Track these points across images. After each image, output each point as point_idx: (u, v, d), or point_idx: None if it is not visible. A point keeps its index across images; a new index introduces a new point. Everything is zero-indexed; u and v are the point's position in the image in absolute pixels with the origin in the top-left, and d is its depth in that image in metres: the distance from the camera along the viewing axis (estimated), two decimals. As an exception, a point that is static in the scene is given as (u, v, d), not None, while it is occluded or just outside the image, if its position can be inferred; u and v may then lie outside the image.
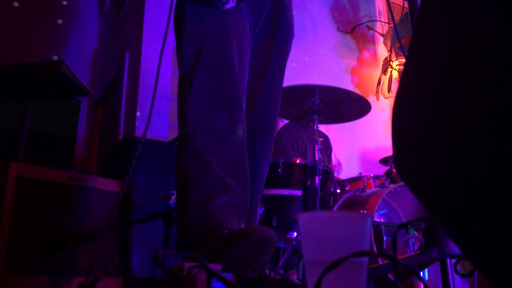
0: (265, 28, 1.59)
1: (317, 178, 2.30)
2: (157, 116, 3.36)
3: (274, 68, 1.60)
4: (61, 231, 1.55)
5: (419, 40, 0.49)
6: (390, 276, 1.69)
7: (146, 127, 1.41)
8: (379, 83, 4.62)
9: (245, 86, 1.46)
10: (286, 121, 3.26)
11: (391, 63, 4.56)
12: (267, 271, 1.01)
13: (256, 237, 1.14)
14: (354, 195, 2.45)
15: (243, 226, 1.35)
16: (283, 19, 1.63)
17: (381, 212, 2.32)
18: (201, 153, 1.34)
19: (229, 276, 0.91)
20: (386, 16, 5.14)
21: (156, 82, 1.39)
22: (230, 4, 1.36)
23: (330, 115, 2.66)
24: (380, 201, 2.16)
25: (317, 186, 2.28)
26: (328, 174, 2.45)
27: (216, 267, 0.93)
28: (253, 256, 1.17)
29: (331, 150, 3.55)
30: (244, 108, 1.44)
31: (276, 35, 1.62)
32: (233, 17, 1.42)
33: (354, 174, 2.88)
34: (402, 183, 2.26)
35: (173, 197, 2.50)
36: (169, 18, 1.42)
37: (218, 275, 0.81)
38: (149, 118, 1.37)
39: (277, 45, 1.62)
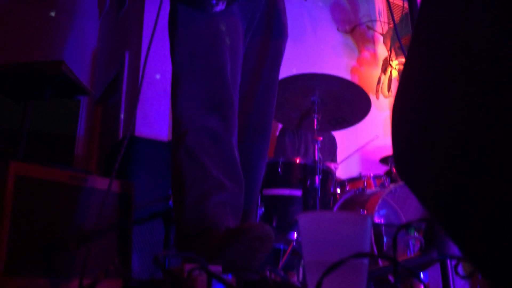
0: (258, 30, 1.61)
1: (317, 177, 2.29)
2: (157, 116, 3.36)
3: (269, 68, 1.62)
4: (61, 231, 1.55)
5: (419, 40, 0.49)
6: (391, 278, 1.69)
7: (133, 125, 1.43)
8: (378, 82, 4.63)
9: (237, 87, 1.48)
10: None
11: (391, 62, 4.56)
12: (267, 273, 1.01)
13: (253, 233, 1.15)
14: (354, 195, 2.45)
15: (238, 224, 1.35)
16: (276, 21, 1.65)
17: (381, 212, 2.31)
18: (194, 153, 1.35)
19: (229, 278, 0.91)
20: (386, 16, 5.14)
21: (141, 81, 1.40)
22: (220, 7, 1.37)
23: (330, 119, 2.65)
24: (380, 201, 2.16)
25: (317, 186, 2.28)
26: (328, 174, 2.45)
27: (216, 268, 0.93)
28: (251, 252, 1.17)
29: (336, 149, 3.56)
30: (237, 109, 1.46)
31: (270, 36, 1.64)
32: (225, 20, 1.44)
33: (354, 174, 2.88)
34: (402, 183, 2.26)
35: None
36: (157, 18, 1.43)
37: (219, 276, 0.81)
38: (134, 117, 1.39)
39: (271, 46, 1.63)
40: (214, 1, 1.35)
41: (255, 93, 1.60)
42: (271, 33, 1.64)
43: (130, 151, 2.70)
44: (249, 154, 1.57)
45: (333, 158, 3.49)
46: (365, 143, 3.66)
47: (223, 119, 1.40)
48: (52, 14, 4.57)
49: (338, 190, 2.55)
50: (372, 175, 2.61)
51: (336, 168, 3.23)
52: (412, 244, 1.82)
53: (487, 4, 0.40)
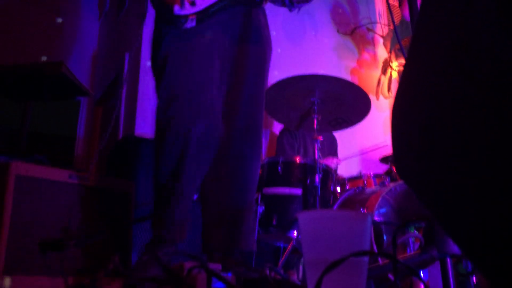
0: (239, 43, 1.71)
1: (317, 176, 2.30)
2: (157, 116, 3.35)
3: (253, 77, 1.73)
4: (61, 230, 1.55)
5: (419, 41, 0.49)
6: (390, 276, 1.69)
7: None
8: (378, 83, 4.63)
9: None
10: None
11: (391, 64, 4.56)
12: (267, 271, 1.01)
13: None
14: (354, 194, 2.44)
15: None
16: (256, 34, 1.75)
17: (381, 211, 2.32)
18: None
19: (229, 276, 0.91)
20: (386, 18, 5.14)
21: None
22: (190, 24, 1.52)
23: (330, 119, 2.65)
24: (380, 199, 2.16)
25: (317, 184, 2.28)
26: (328, 172, 2.45)
27: (216, 267, 0.93)
28: None
29: (336, 148, 3.56)
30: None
31: (251, 49, 1.73)
32: (209, 34, 1.60)
33: (354, 172, 2.88)
34: (402, 182, 2.26)
35: (173, 197, 2.50)
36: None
37: (218, 275, 0.82)
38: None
39: (252, 57, 1.73)
40: (183, 20, 1.50)
41: (240, 100, 1.69)
42: (251, 46, 1.73)
43: (130, 150, 2.70)
44: (242, 158, 1.66)
45: (334, 156, 3.49)
46: (370, 148, 3.67)
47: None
48: (59, 20, 4.57)
49: (338, 189, 2.55)
50: (372, 174, 2.61)
51: (338, 163, 3.23)
52: (412, 242, 1.82)
53: (487, 4, 0.40)
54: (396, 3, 5.01)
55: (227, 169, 1.63)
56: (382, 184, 2.40)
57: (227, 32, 1.67)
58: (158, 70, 1.61)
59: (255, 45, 1.74)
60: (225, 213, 1.61)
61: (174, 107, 1.55)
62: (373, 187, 2.46)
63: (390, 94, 4.60)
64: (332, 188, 2.46)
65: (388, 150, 3.28)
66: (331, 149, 3.50)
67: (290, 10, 1.84)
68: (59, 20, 4.91)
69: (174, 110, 1.55)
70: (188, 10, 1.50)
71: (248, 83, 1.70)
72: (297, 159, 2.40)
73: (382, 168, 3.33)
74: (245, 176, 1.65)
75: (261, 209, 2.27)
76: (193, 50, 1.57)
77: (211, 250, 1.59)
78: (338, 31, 4.77)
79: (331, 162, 3.14)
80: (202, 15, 1.53)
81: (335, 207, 2.40)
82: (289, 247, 2.18)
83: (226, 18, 1.65)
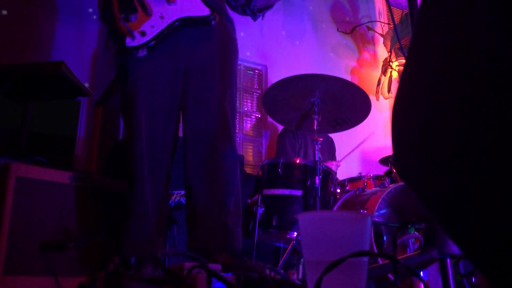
0: (196, 56, 1.78)
1: (317, 178, 2.30)
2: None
3: (223, 79, 1.80)
4: (61, 231, 1.55)
5: (419, 40, 0.49)
6: (390, 276, 1.69)
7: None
8: (379, 83, 4.63)
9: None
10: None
11: (391, 63, 4.57)
12: (267, 271, 1.01)
13: None
14: (354, 195, 2.44)
15: None
16: (213, 43, 1.81)
17: (381, 212, 2.31)
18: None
19: (229, 276, 0.91)
20: (386, 16, 5.15)
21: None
22: (141, 53, 1.64)
23: (330, 120, 2.65)
24: (380, 201, 2.16)
25: (317, 186, 2.28)
26: (328, 174, 2.45)
27: (216, 267, 0.93)
28: None
29: (334, 151, 3.57)
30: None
31: (221, 54, 1.81)
32: (162, 63, 1.72)
33: (354, 174, 2.88)
34: (402, 183, 2.26)
35: (173, 197, 2.50)
36: None
37: (218, 275, 0.82)
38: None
39: (221, 60, 1.80)
40: (135, 51, 1.64)
41: (215, 106, 1.77)
42: (209, 52, 1.81)
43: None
44: (227, 157, 1.73)
45: (332, 160, 3.50)
46: (362, 140, 3.66)
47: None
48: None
49: (338, 190, 2.55)
50: (372, 175, 2.61)
51: (338, 166, 3.24)
52: (412, 243, 1.82)
53: (487, 4, 0.40)
54: (397, 1, 5.02)
55: (216, 169, 1.70)
56: (382, 185, 2.40)
57: (181, 51, 1.74)
58: (125, 91, 1.78)
59: (213, 50, 1.80)
60: (221, 214, 1.64)
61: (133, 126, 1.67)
62: (373, 188, 2.45)
63: (390, 94, 4.60)
64: (332, 189, 2.46)
65: (388, 151, 3.28)
66: (330, 151, 3.51)
67: (254, 19, 1.88)
68: (59, 19, 4.90)
69: (131, 127, 1.67)
70: (139, 40, 1.63)
71: (222, 85, 1.78)
72: (297, 160, 2.40)
73: (382, 169, 3.33)
74: (230, 176, 1.72)
75: (261, 210, 2.27)
76: (147, 76, 1.70)
77: (211, 251, 1.59)
78: (338, 30, 4.77)
79: (331, 165, 3.15)
80: (153, 43, 1.64)
81: (335, 208, 2.40)
82: (289, 247, 2.18)
83: (178, 39, 1.72)
